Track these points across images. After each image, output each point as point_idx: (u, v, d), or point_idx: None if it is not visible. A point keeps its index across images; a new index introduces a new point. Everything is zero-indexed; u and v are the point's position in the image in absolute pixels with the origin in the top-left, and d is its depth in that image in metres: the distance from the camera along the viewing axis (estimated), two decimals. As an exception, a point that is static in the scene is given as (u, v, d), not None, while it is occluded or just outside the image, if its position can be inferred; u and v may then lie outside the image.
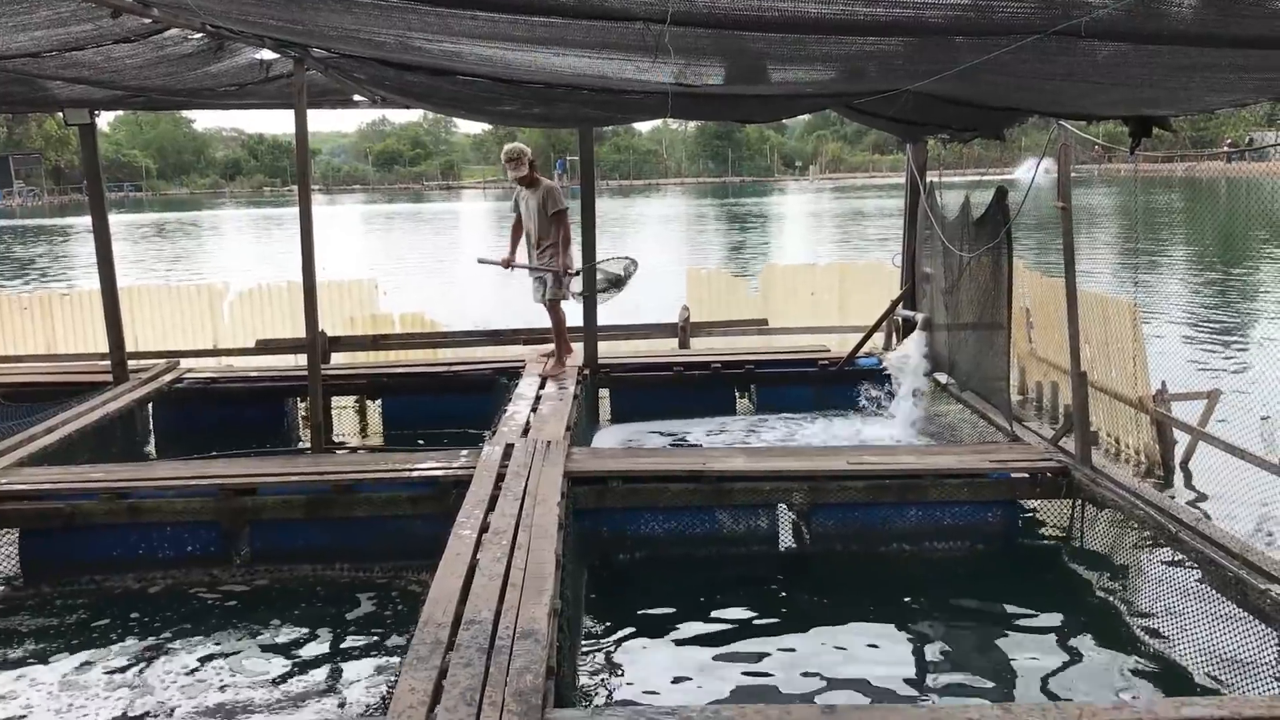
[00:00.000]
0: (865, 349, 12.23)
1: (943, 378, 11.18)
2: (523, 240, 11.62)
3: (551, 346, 11.95)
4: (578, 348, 11.89)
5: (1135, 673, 6.22)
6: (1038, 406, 12.37)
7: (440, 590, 5.62)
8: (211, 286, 14.62)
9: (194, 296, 14.26)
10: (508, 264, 11.50)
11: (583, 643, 6.61)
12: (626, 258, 12.21)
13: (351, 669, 6.38)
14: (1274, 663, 5.84)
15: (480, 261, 11.81)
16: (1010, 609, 7.14)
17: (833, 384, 12.11)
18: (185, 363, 12.59)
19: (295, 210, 8.61)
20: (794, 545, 8.12)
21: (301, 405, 11.80)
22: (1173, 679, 6.09)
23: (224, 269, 33.68)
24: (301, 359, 10.63)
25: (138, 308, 13.70)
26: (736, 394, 12.42)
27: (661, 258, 30.11)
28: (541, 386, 10.81)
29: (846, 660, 6.42)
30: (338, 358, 12.96)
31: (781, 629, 6.86)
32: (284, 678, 6.25)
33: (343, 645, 6.71)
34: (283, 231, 51.77)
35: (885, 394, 11.68)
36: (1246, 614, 5.95)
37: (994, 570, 7.87)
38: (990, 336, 9.54)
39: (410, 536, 7.69)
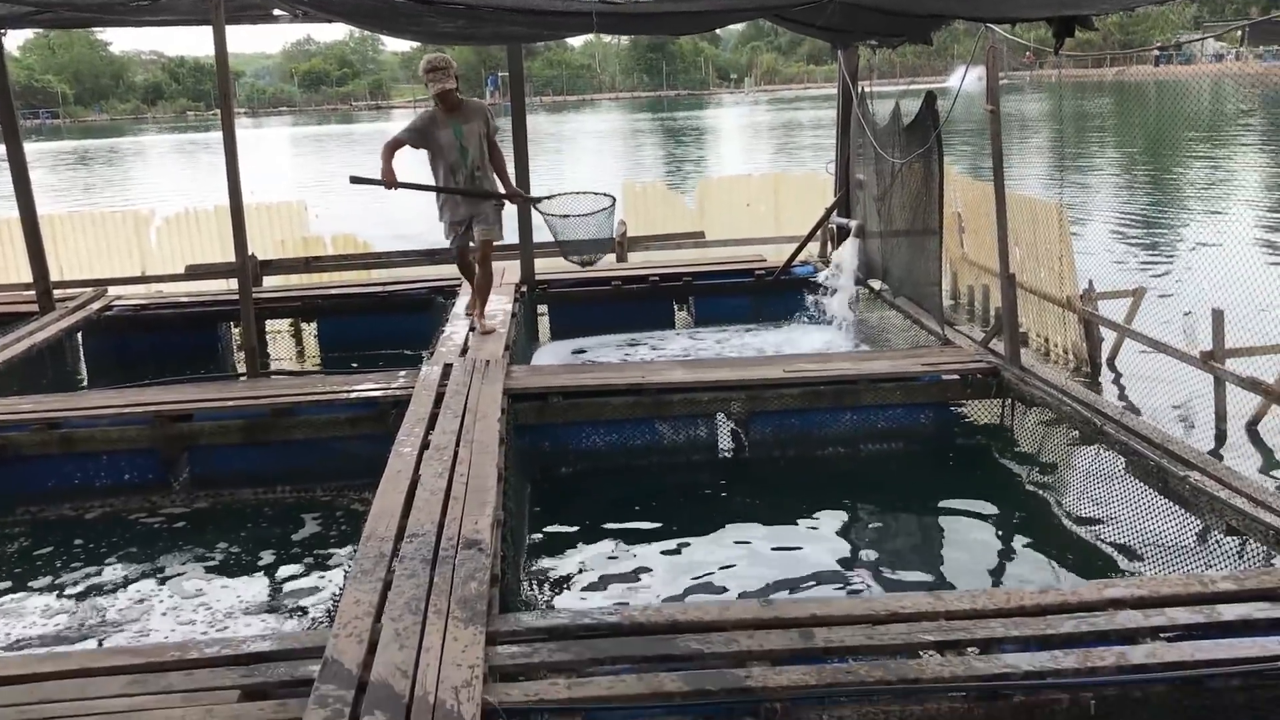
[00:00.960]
0: (800, 258, 12.31)
1: (877, 284, 11.30)
2: (440, 177, 9.25)
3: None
4: (514, 264, 11.82)
5: (1063, 559, 6.46)
6: (970, 310, 12.59)
7: (382, 506, 5.66)
8: (137, 213, 14.29)
9: (119, 223, 13.94)
10: (392, 183, 8.77)
11: (527, 553, 6.70)
12: (606, 195, 9.75)
13: (297, 586, 6.42)
14: (1194, 545, 6.08)
15: (354, 180, 9.27)
16: (943, 504, 7.35)
17: (769, 294, 12.21)
18: (114, 290, 12.33)
19: (221, 134, 8.38)
20: (733, 453, 8.24)
21: (235, 330, 11.64)
22: (1099, 564, 6.33)
23: (150, 195, 32.83)
24: (234, 284, 10.47)
25: (61, 236, 13.37)
26: (675, 307, 12.48)
27: (597, 173, 29.86)
28: (479, 304, 10.76)
29: (785, 558, 6.57)
30: (270, 281, 12.78)
31: (722, 532, 7.00)
32: (229, 598, 6.27)
33: (287, 565, 6.74)
34: (210, 156, 50.45)
35: (821, 302, 11.79)
36: (1167, 500, 6.18)
37: (927, 469, 8.08)
38: (922, 242, 9.64)
39: (351, 457, 7.70)
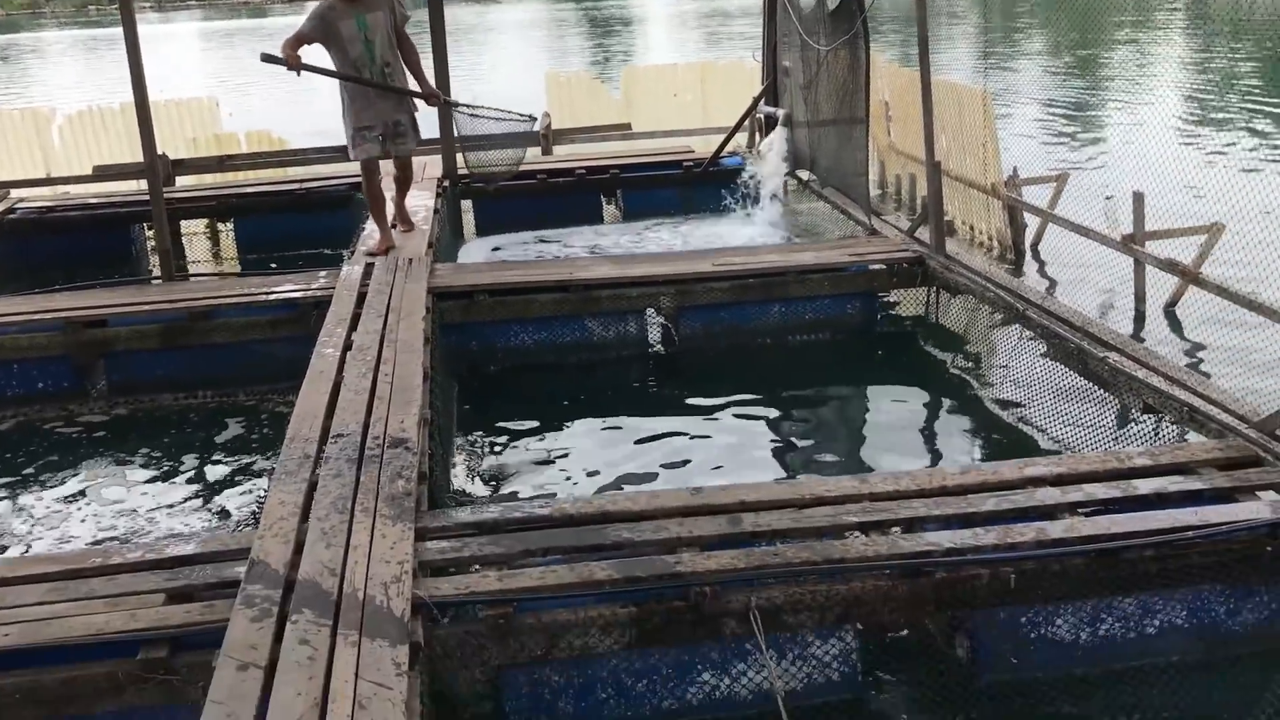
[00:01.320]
0: (729, 149, 12.17)
1: (805, 174, 11.24)
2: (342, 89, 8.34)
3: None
4: (436, 159, 11.52)
5: (986, 441, 6.60)
6: (896, 199, 12.60)
7: (305, 407, 5.56)
8: (37, 111, 13.66)
9: (19, 123, 13.32)
10: (295, 64, 7.81)
11: (456, 451, 6.67)
12: (529, 117, 9.28)
13: (221, 491, 6.33)
14: (1112, 425, 6.23)
15: (264, 58, 8.11)
16: (870, 392, 7.45)
17: (698, 186, 12.06)
18: (16, 193, 11.82)
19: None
20: (663, 347, 8.23)
21: (148, 232, 11.27)
22: (1020, 445, 6.47)
23: (53, 94, 31.42)
24: (145, 184, 10.08)
25: (-46, 138, 12.76)
26: (603, 200, 12.30)
27: (521, 66, 29.19)
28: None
29: (714, 448, 6.62)
30: (183, 181, 12.32)
31: (652, 425, 7.02)
32: (152, 504, 6.17)
33: (211, 470, 6.63)
34: (114, 53, 48.29)
35: (749, 193, 11.71)
36: (1087, 381, 6.30)
37: (855, 358, 8.15)
38: (849, 131, 9.57)
39: (273, 360, 7.54)
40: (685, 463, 6.39)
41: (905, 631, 4.73)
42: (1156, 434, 5.86)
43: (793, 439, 6.94)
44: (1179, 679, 4.35)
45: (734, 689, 4.25)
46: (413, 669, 3.50)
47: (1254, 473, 4.78)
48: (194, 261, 11.78)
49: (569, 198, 11.92)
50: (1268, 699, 4.01)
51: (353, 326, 6.84)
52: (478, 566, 4.22)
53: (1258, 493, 4.64)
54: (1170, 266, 8.02)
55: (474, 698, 4.24)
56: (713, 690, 4.24)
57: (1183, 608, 4.48)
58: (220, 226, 12.11)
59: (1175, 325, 8.56)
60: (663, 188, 12.10)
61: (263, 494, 5.89)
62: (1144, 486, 4.70)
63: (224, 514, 6.04)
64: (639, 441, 6.76)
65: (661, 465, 6.39)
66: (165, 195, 9.04)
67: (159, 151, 8.63)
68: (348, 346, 6.46)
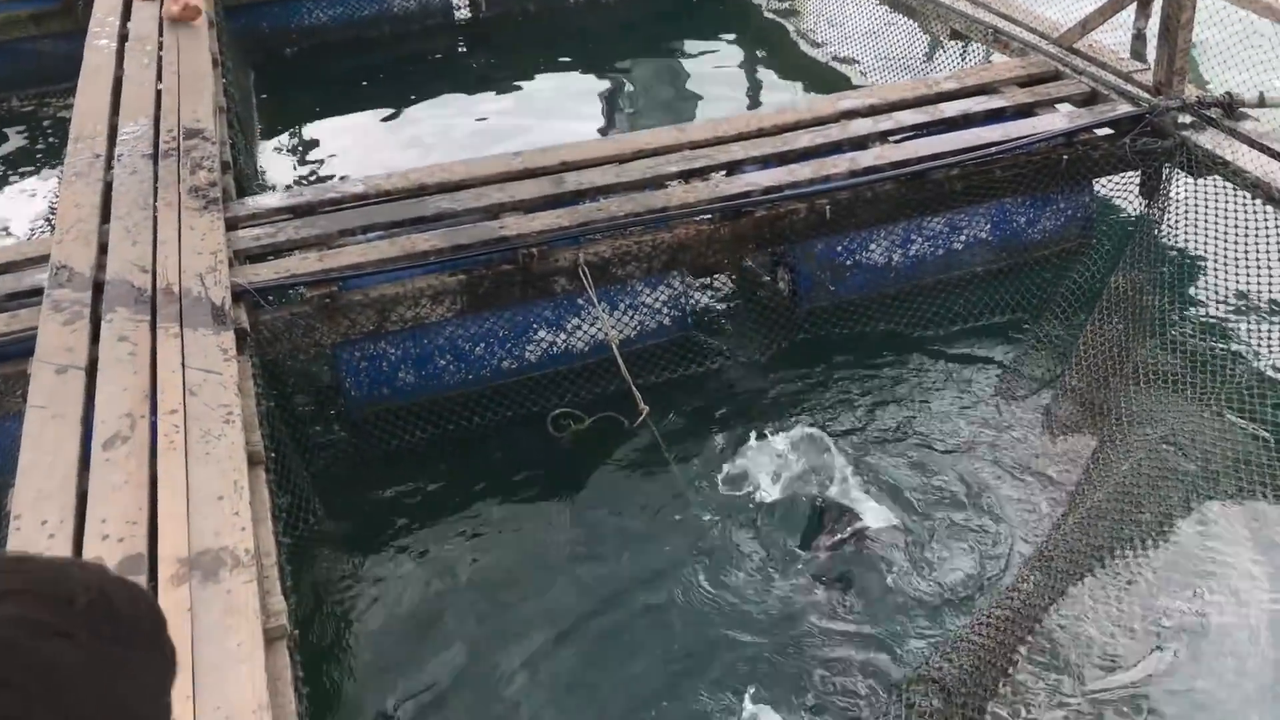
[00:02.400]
0: None
1: None
2: None
3: None
4: None
5: (803, 82, 6.60)
6: None
7: (86, 105, 5.12)
8: None
9: None
10: None
11: (261, 138, 6.34)
12: None
13: (10, 204, 5.91)
14: (923, 55, 6.30)
15: None
16: (687, 46, 7.29)
17: None
18: None
19: None
20: (470, 15, 7.80)
21: None
22: (835, 82, 6.50)
23: None
24: None
25: None
26: None
27: None
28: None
29: (532, 113, 6.47)
30: None
31: (465, 97, 6.79)
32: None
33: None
34: None
35: None
36: (898, 14, 6.30)
37: (668, 15, 7.90)
38: None
39: (46, 58, 6.87)
40: (503, 130, 6.24)
41: (730, 272, 4.90)
42: (964, 59, 5.96)
43: (611, 98, 6.82)
44: (983, 286, 4.65)
45: (571, 343, 4.36)
46: (241, 354, 3.45)
47: (1053, 87, 4.94)
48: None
49: None
50: (1060, 293, 4.32)
51: (126, 15, 6.23)
52: (296, 250, 4.11)
53: (1056, 105, 4.81)
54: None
55: (311, 377, 4.25)
56: (550, 346, 4.35)
57: (986, 221, 4.73)
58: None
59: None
60: None
61: (56, 201, 5.53)
62: (950, 109, 4.81)
63: (15, 225, 5.67)
64: (452, 114, 6.56)
65: (478, 135, 6.23)
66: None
67: None
68: (124, 37, 5.90)
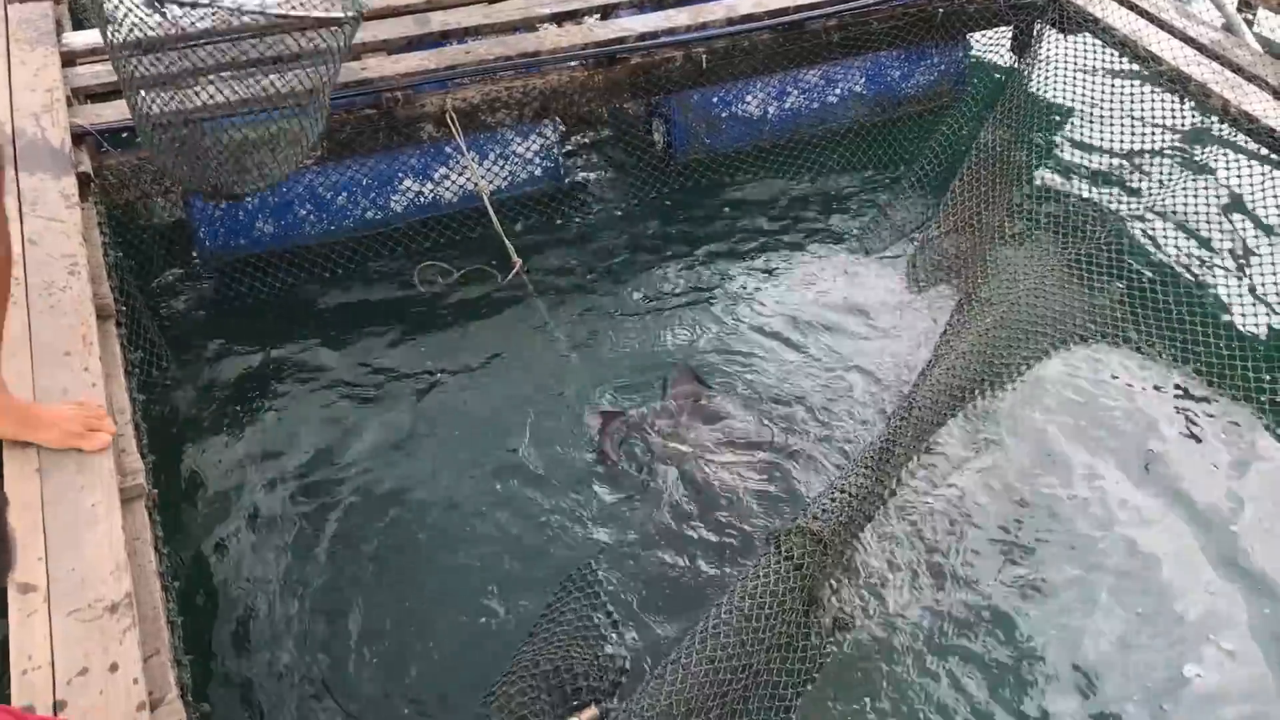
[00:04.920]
0: None
1: None
2: None
3: None
4: None
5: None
6: None
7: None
8: None
9: None
10: None
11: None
12: None
13: None
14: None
15: None
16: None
17: None
18: None
19: None
20: None
21: None
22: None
23: None
24: None
25: None
26: None
27: None
28: None
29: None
30: None
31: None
32: None
33: None
34: None
35: None
36: None
37: None
38: None
39: None
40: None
41: (604, 122, 4.80)
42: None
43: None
44: (856, 140, 4.65)
45: (439, 193, 4.23)
46: (85, 200, 3.24)
47: (931, -63, 4.87)
48: None
49: None
50: (930, 147, 4.35)
51: None
52: (144, 89, 3.83)
53: (933, -43, 4.75)
54: None
55: (162, 227, 4.05)
56: (417, 196, 4.21)
57: (861, 75, 4.70)
58: None
59: None
60: None
61: None
62: (829, -42, 4.70)
63: None
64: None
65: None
66: None
67: None
68: None
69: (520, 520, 3.10)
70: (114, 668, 2.03)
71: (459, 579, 2.95)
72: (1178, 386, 3.49)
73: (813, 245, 4.22)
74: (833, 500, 2.78)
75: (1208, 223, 4.16)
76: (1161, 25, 4.29)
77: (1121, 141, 4.40)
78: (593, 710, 2.36)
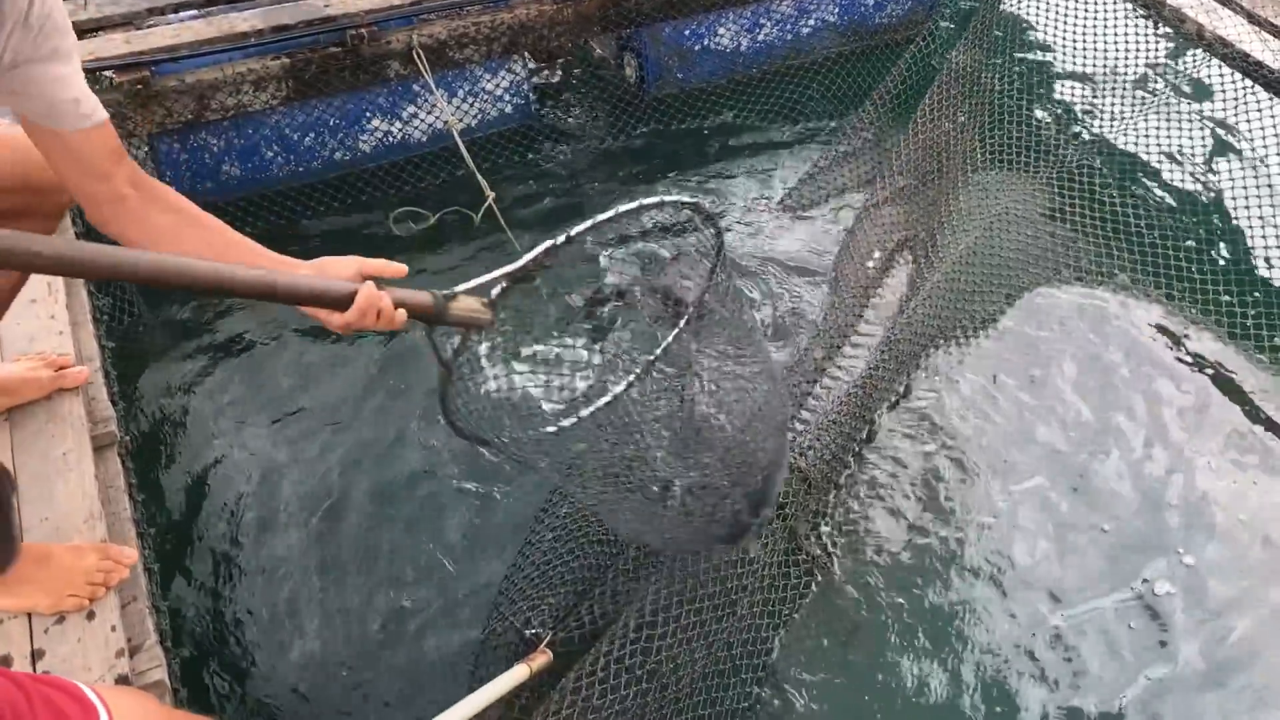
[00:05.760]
0: None
1: None
2: None
3: None
4: None
5: None
6: None
7: None
8: None
9: None
10: None
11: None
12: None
13: None
14: None
15: None
16: None
17: None
18: None
19: None
20: None
21: None
22: None
23: None
24: None
25: None
26: None
27: None
28: None
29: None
30: None
31: None
32: None
33: None
34: None
35: None
36: None
37: None
38: None
39: None
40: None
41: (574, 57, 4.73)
42: None
43: None
44: (831, 72, 4.60)
45: (408, 132, 4.16)
46: (44, 145, 3.17)
47: None
48: None
49: None
50: (898, 70, 4.30)
51: None
52: (98, 30, 3.75)
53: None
54: None
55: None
56: (385, 136, 4.14)
57: (834, 5, 4.64)
58: None
59: None
60: None
61: None
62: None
63: None
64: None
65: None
66: None
67: None
68: None
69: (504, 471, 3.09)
70: (91, 616, 2.02)
71: (443, 523, 2.95)
72: (1159, 324, 3.50)
73: (787, 174, 4.19)
74: (818, 438, 2.78)
75: (1179, 149, 4.15)
76: (1136, -51, 4.25)
77: (1091, 66, 4.37)
78: (546, 656, 2.28)
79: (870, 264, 3.64)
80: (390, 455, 3.12)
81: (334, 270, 1.74)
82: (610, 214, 1.88)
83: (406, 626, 2.69)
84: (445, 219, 3.97)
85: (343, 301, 1.67)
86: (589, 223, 1.86)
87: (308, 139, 4.02)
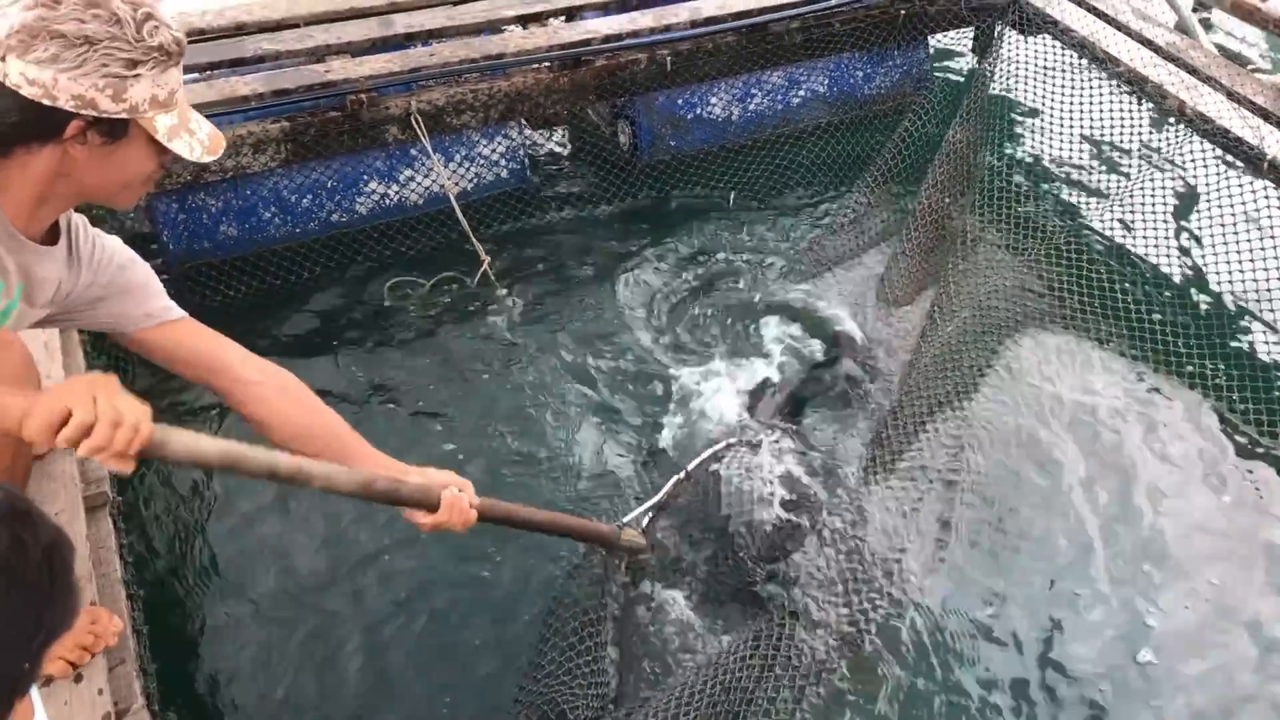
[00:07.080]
0: None
1: None
2: None
3: None
4: None
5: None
6: None
7: None
8: None
9: None
10: None
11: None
12: None
13: None
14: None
15: None
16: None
17: None
18: None
19: None
20: None
21: None
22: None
23: None
24: None
25: None
26: None
27: None
28: None
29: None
30: None
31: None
32: None
33: None
34: None
35: None
36: None
37: None
38: None
39: None
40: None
41: (569, 124, 4.80)
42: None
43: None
44: (821, 141, 4.69)
45: (405, 195, 4.22)
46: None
47: (892, -60, 4.91)
48: None
49: None
50: (889, 147, 4.39)
51: None
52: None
53: (894, -41, 4.79)
54: None
55: (127, 229, 4.01)
56: (382, 199, 4.20)
57: (824, 76, 4.74)
58: None
59: None
60: None
61: None
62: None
63: None
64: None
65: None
66: None
67: None
68: None
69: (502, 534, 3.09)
70: (79, 678, 2.02)
71: (441, 586, 2.94)
72: (1149, 388, 3.56)
73: (780, 249, 4.24)
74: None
75: (1164, 221, 4.22)
76: (1119, 27, 4.36)
77: (1079, 144, 4.46)
78: None
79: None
80: (384, 523, 3.12)
81: (436, 479, 2.08)
82: (721, 444, 2.88)
83: (399, 690, 2.68)
84: (441, 283, 4.00)
85: (431, 504, 2.01)
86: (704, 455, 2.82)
87: (305, 200, 4.07)
